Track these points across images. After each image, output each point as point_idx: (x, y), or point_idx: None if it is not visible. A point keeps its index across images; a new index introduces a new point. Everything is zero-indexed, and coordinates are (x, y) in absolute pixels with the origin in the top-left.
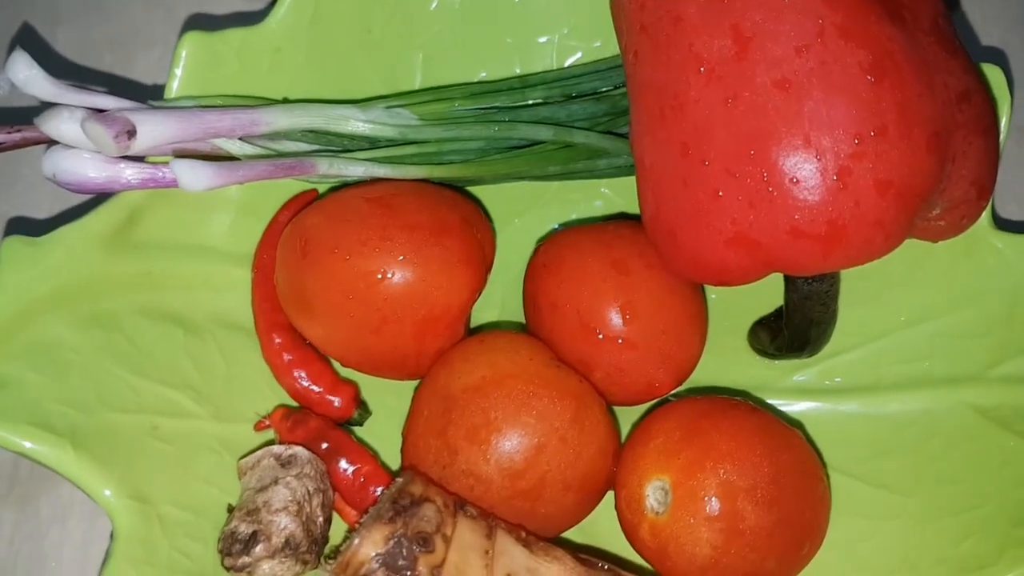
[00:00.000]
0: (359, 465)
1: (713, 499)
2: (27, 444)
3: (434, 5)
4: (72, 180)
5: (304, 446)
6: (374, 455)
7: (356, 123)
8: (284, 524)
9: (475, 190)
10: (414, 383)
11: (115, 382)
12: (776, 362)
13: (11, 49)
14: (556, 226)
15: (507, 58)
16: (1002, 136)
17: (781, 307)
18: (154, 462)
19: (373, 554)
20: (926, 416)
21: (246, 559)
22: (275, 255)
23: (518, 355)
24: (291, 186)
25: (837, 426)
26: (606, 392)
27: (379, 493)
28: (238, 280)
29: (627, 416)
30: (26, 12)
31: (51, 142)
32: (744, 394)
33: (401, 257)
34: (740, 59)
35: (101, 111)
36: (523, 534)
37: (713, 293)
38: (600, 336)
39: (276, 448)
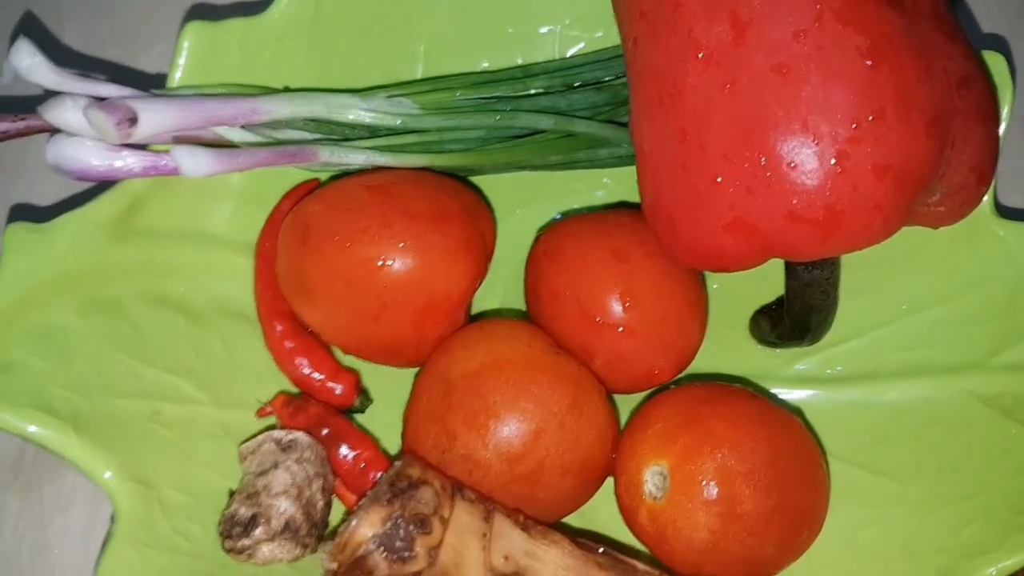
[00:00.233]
0: (359, 451)
1: (711, 484)
2: (30, 427)
3: None
4: (75, 168)
5: (305, 432)
6: (374, 441)
7: (357, 112)
8: (284, 507)
9: (478, 180)
10: (415, 371)
11: (118, 368)
12: (777, 351)
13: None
14: (558, 215)
15: (509, 49)
16: (1003, 124)
17: (782, 296)
18: (156, 447)
19: (371, 535)
20: (927, 404)
21: (246, 541)
22: (277, 243)
23: (517, 342)
24: (293, 175)
25: (838, 414)
26: (606, 379)
27: (379, 477)
28: (240, 268)
29: (628, 404)
30: (33, 7)
31: (55, 130)
32: (744, 382)
33: (401, 244)
34: (738, 45)
35: (104, 99)
36: (521, 518)
37: (715, 283)
38: (600, 323)
39: (277, 433)
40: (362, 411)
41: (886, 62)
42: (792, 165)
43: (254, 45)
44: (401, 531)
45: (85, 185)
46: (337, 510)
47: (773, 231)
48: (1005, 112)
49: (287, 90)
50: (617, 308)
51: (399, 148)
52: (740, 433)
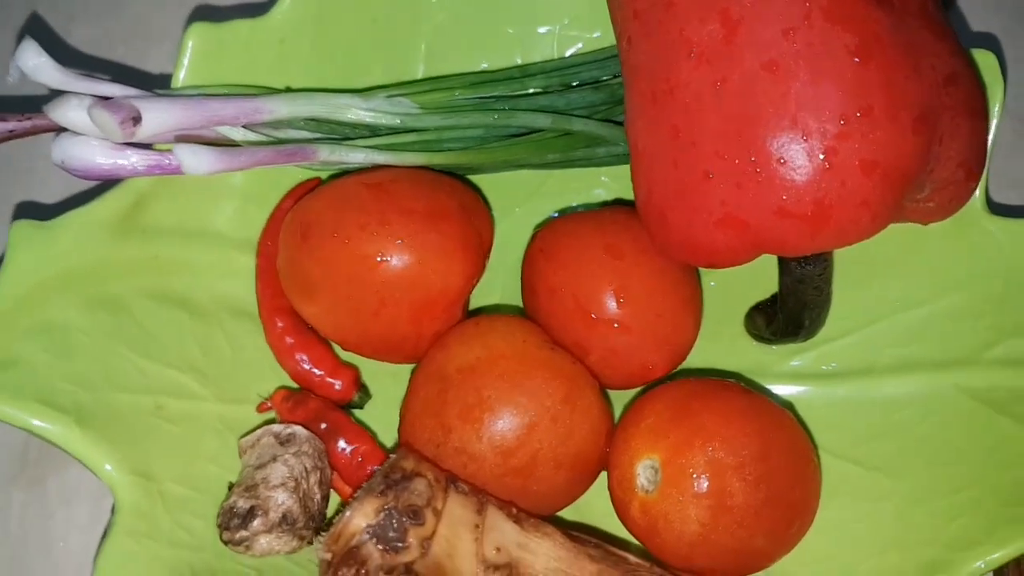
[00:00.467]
0: (357, 445)
1: (701, 477)
2: (34, 421)
3: None
4: (80, 166)
5: (303, 426)
6: (372, 435)
7: (357, 111)
8: (281, 500)
9: (478, 179)
10: (413, 367)
11: (121, 363)
12: (773, 347)
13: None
14: (555, 214)
15: (508, 49)
16: (994, 121)
17: (777, 292)
18: (158, 441)
19: (364, 525)
20: (920, 399)
21: (244, 533)
22: (278, 241)
23: (513, 337)
24: (295, 174)
25: (832, 410)
26: (601, 375)
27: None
28: (242, 266)
29: (623, 399)
30: (41, 7)
31: (61, 129)
32: (739, 377)
33: (399, 241)
34: (729, 43)
35: (108, 99)
36: (514, 511)
37: (712, 280)
38: (595, 319)
39: (275, 427)
40: (361, 407)
41: (874, 59)
42: (781, 161)
43: (257, 46)
44: (394, 522)
45: (90, 184)
46: (335, 503)
47: (763, 227)
48: (996, 109)
49: (289, 90)
50: (612, 304)
51: (398, 147)
52: (731, 427)
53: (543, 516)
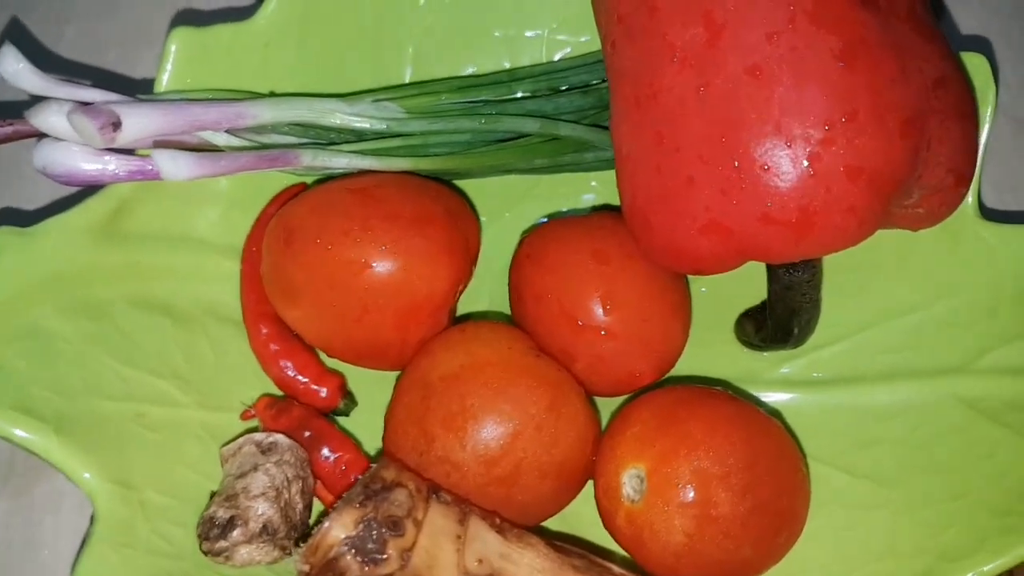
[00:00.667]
0: (341, 453)
1: (687, 487)
2: (14, 430)
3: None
4: (62, 172)
5: (286, 434)
6: (357, 444)
7: (342, 115)
8: (262, 510)
9: (465, 184)
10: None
11: (103, 370)
12: (763, 354)
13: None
14: (543, 219)
15: (496, 53)
16: (987, 125)
17: (766, 299)
18: (139, 449)
19: (343, 536)
20: (912, 407)
21: (223, 543)
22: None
23: (497, 344)
24: (280, 180)
25: (823, 417)
26: (588, 382)
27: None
28: (226, 272)
29: (611, 407)
30: (32, 10)
31: (42, 135)
32: (728, 385)
33: (383, 247)
34: (712, 47)
35: (89, 104)
36: (498, 521)
37: (702, 286)
38: (581, 326)
39: (257, 435)
40: (347, 414)
41: (859, 63)
42: (765, 167)
43: (241, 50)
44: (373, 533)
45: (72, 190)
46: (319, 513)
47: (747, 233)
48: (988, 113)
49: (273, 95)
50: (598, 311)
51: (384, 152)
52: (716, 436)
53: (529, 526)
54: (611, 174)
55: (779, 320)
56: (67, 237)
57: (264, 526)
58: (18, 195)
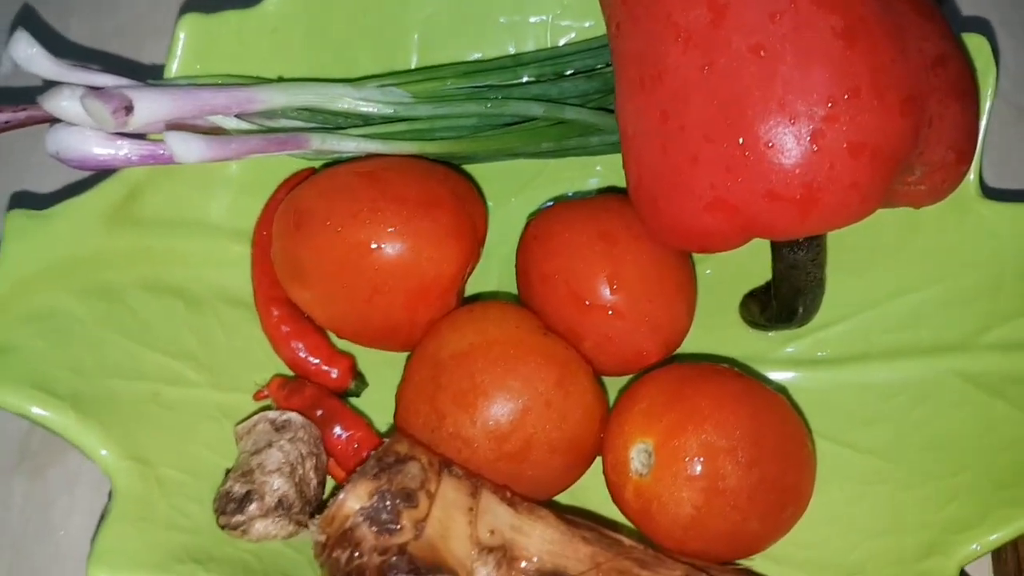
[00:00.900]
0: (353, 431)
1: (694, 460)
2: (32, 408)
3: None
4: (74, 156)
5: (299, 413)
6: (368, 422)
7: (350, 100)
8: (277, 485)
9: (472, 169)
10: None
11: (117, 351)
12: (768, 334)
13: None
14: (550, 203)
15: (501, 39)
16: (987, 104)
17: (771, 279)
18: (154, 427)
19: (357, 508)
20: (915, 384)
21: (240, 517)
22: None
23: (506, 323)
24: (290, 165)
25: (827, 395)
26: (596, 362)
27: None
28: (238, 255)
29: (618, 386)
30: (40, 2)
31: (55, 120)
32: (734, 363)
33: (391, 229)
34: (716, 27)
35: (101, 89)
36: (508, 494)
37: (707, 268)
38: (588, 306)
39: (271, 413)
40: (358, 395)
41: (860, 42)
42: (770, 144)
43: (249, 36)
44: (388, 504)
45: (85, 174)
46: (332, 490)
47: (753, 210)
48: (989, 93)
49: (281, 80)
50: (605, 290)
51: (390, 136)
52: (723, 410)
53: (539, 501)
54: (616, 158)
55: (784, 299)
56: (80, 221)
57: (279, 501)
58: (27, 180)
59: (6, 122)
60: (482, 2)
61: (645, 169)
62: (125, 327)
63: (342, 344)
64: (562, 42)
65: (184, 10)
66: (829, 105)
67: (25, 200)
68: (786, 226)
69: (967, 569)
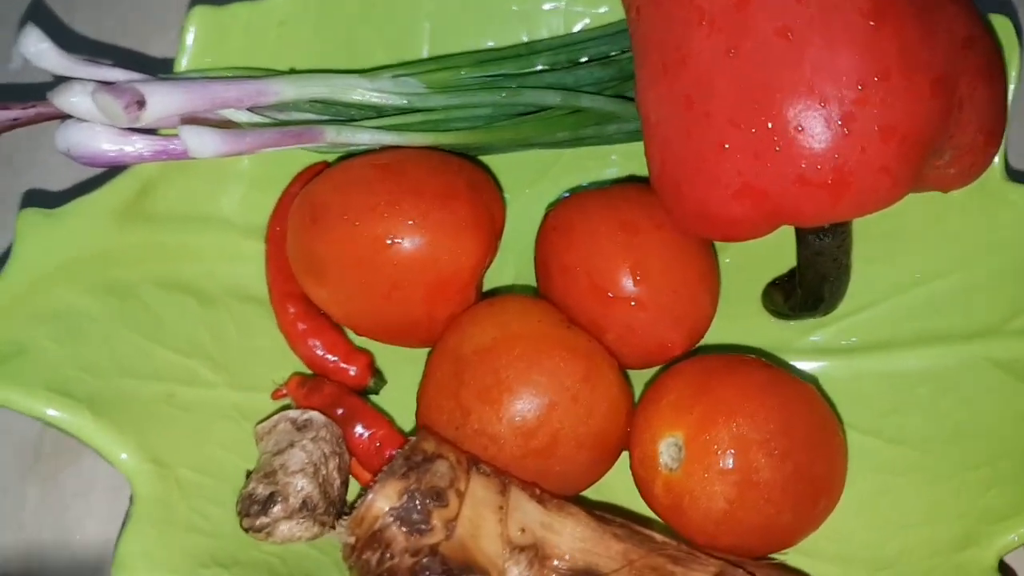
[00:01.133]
0: (374, 429)
1: (727, 453)
2: (48, 411)
3: None
4: (86, 153)
5: (320, 411)
6: (389, 420)
7: (362, 92)
8: (301, 486)
9: (487, 159)
10: (428, 351)
11: (132, 350)
12: (791, 323)
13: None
14: (566, 194)
15: (513, 27)
16: (1012, 86)
17: (795, 267)
18: (171, 428)
19: (387, 508)
20: (944, 371)
21: (264, 519)
22: (287, 226)
23: (528, 317)
24: (302, 159)
25: (854, 384)
26: (619, 354)
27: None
28: (252, 251)
29: (642, 379)
30: None
31: (65, 117)
32: (759, 353)
33: (409, 222)
34: (741, 9)
35: (112, 84)
36: (537, 491)
37: (727, 257)
38: (611, 297)
39: (292, 413)
40: (376, 392)
41: (888, 23)
42: (799, 128)
43: (259, 28)
44: (417, 504)
45: (97, 171)
46: (354, 490)
47: (782, 196)
48: (1014, 75)
49: (293, 72)
50: (627, 281)
51: (405, 127)
52: (753, 402)
53: (566, 497)
54: (632, 147)
55: (809, 286)
56: (92, 218)
57: (304, 502)
58: (38, 178)
59: (15, 119)
60: None
61: (669, 157)
62: (139, 326)
63: (359, 341)
64: (576, 28)
65: (192, 3)
66: (859, 88)
67: (36, 198)
68: (816, 212)
69: (1006, 559)
